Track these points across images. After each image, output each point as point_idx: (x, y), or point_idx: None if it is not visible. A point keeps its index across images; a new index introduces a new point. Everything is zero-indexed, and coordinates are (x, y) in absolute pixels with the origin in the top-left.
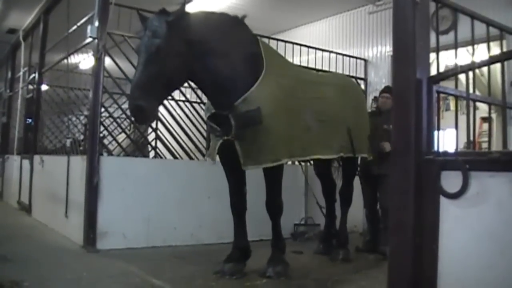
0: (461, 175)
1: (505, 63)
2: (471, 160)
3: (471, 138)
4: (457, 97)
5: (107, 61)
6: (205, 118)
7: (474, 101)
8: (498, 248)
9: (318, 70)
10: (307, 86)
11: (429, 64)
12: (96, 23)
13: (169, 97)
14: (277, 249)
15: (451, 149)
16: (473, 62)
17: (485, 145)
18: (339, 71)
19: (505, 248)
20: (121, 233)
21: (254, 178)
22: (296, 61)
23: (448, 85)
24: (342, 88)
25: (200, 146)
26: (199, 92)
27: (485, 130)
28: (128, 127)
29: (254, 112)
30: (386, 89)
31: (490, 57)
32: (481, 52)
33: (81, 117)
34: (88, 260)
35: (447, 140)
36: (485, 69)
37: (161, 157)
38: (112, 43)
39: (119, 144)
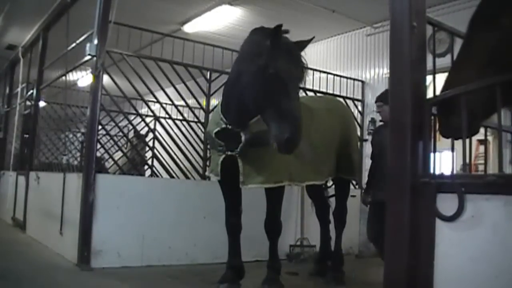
0: (456, 198)
1: None
2: (467, 183)
3: (467, 160)
4: None
5: (105, 79)
6: (211, 133)
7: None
8: (493, 272)
9: (315, 92)
10: (304, 112)
11: (426, 86)
12: (95, 41)
13: (166, 116)
14: (273, 269)
15: (447, 171)
16: (469, 85)
17: (481, 168)
18: (337, 92)
19: (500, 272)
20: (115, 252)
21: (250, 199)
22: None
23: None
24: (332, 112)
25: (196, 165)
26: (196, 111)
27: (482, 153)
28: (125, 145)
29: (264, 133)
30: (377, 99)
31: (486, 80)
32: None
33: (78, 135)
34: (82, 279)
35: (443, 162)
36: None
37: (157, 176)
38: (110, 61)
39: (115, 162)
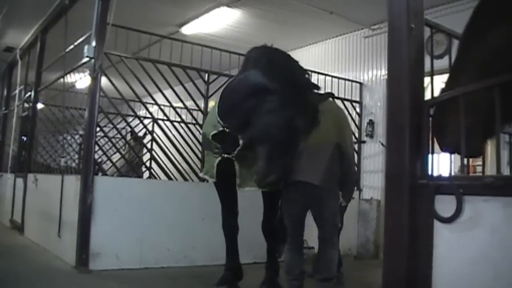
0: (455, 199)
1: None
2: (465, 185)
3: (466, 162)
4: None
5: (103, 80)
6: (207, 135)
7: None
8: (492, 273)
9: None
10: None
11: (424, 88)
12: (93, 43)
13: (165, 118)
14: (271, 271)
15: (445, 173)
16: (467, 86)
17: (479, 169)
18: (335, 94)
19: (498, 273)
20: (114, 254)
21: (247, 200)
22: None
23: None
24: (326, 113)
25: (194, 166)
26: (194, 113)
27: None
28: (123, 147)
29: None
30: None
31: (485, 81)
32: None
33: (76, 136)
34: (80, 281)
35: (441, 163)
36: None
37: (155, 178)
38: (108, 63)
39: (113, 164)
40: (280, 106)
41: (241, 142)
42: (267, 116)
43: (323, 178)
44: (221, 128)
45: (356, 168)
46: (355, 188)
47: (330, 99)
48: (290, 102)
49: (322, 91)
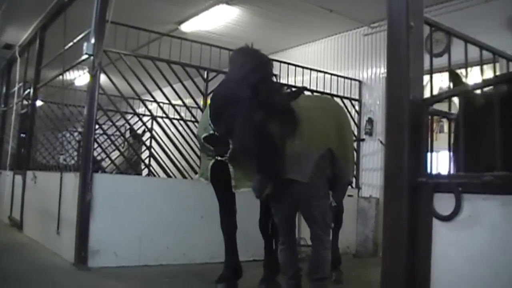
0: (454, 198)
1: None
2: (464, 183)
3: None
4: (450, 119)
5: (102, 78)
6: (200, 137)
7: None
8: (491, 271)
9: (313, 91)
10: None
11: (423, 86)
12: (92, 40)
13: (164, 115)
14: (270, 269)
15: (444, 171)
16: (466, 85)
17: None
18: (334, 92)
19: (498, 272)
20: (112, 251)
21: (244, 199)
22: (291, 82)
23: (442, 107)
24: (326, 111)
25: (193, 164)
26: (193, 110)
27: None
28: (122, 145)
29: None
30: None
31: (483, 80)
32: (475, 75)
33: (75, 134)
34: (79, 278)
35: (440, 162)
36: (478, 91)
37: (154, 175)
38: (107, 60)
39: (112, 162)
40: (247, 115)
41: (231, 145)
42: (238, 127)
43: (311, 176)
44: (211, 131)
45: (354, 168)
46: (348, 187)
47: (330, 97)
48: (256, 109)
49: (320, 91)
